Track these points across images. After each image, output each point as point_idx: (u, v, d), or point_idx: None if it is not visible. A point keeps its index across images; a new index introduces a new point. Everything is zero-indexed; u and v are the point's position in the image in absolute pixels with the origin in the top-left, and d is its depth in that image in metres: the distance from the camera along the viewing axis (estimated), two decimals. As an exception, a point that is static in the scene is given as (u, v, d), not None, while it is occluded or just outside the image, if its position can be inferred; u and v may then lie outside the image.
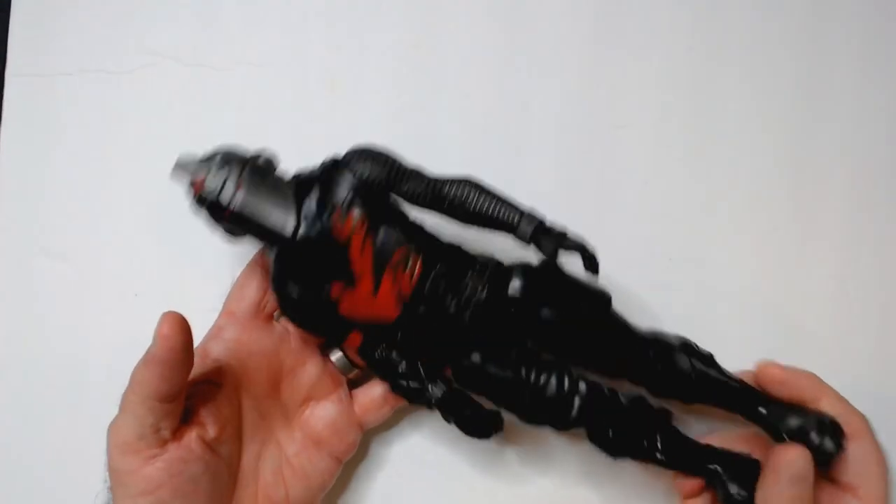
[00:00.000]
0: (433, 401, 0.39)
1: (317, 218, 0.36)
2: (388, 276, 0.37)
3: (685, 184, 0.47)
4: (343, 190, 0.37)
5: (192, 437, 0.36)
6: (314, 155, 0.47)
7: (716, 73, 0.48)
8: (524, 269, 0.38)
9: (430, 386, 0.39)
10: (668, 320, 0.47)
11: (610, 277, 0.47)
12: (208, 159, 0.37)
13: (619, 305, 0.46)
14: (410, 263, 0.37)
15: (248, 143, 0.47)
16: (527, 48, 0.47)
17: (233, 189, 0.36)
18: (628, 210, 0.47)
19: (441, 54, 0.47)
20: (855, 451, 0.38)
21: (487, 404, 0.39)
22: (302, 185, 0.37)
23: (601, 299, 0.39)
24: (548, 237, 0.37)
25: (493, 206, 0.37)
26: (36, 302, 0.46)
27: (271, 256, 0.38)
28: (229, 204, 0.36)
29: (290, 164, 0.47)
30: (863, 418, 0.39)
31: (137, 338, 0.46)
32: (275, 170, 0.38)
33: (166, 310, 0.35)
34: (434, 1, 0.48)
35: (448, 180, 0.38)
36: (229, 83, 0.47)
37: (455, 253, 0.39)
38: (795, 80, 0.48)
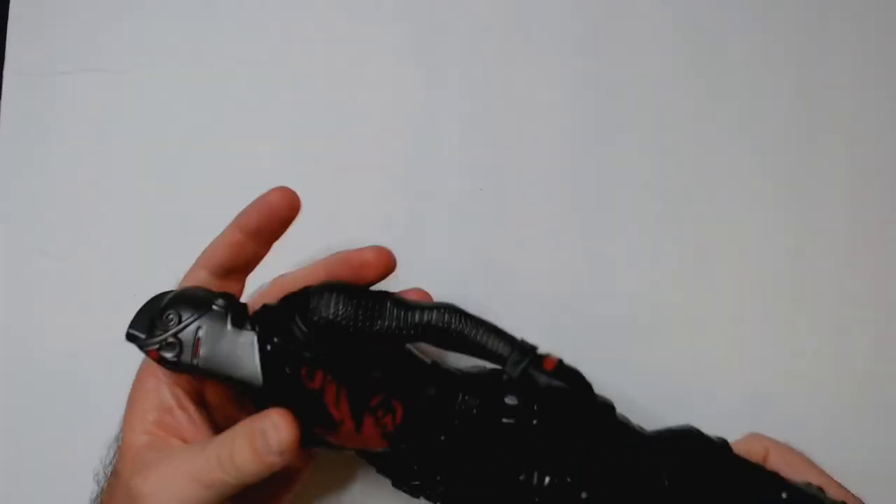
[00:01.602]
0: (436, 499, 0.36)
1: (282, 371, 0.33)
2: (369, 418, 0.34)
3: (685, 184, 0.47)
4: (305, 345, 0.33)
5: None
6: (314, 155, 0.47)
7: (716, 74, 0.48)
8: (517, 395, 0.35)
9: (427, 489, 0.36)
10: (665, 321, 0.47)
11: (610, 278, 0.47)
12: (161, 318, 0.34)
13: (619, 306, 0.46)
14: (392, 406, 0.34)
15: (248, 143, 0.47)
16: (527, 48, 0.47)
17: (191, 350, 0.33)
18: (628, 210, 0.47)
19: (441, 54, 0.47)
20: None
21: None
22: (264, 331, 0.34)
23: (604, 408, 0.36)
24: (539, 373, 0.34)
25: (478, 332, 0.34)
26: (34, 302, 0.46)
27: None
28: (192, 363, 0.33)
29: (290, 164, 0.47)
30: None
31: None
32: (234, 314, 0.35)
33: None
34: (434, 1, 0.47)
35: (426, 309, 0.34)
36: (228, 83, 0.47)
37: (439, 386, 0.35)
38: (795, 80, 0.48)
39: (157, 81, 0.47)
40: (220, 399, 0.38)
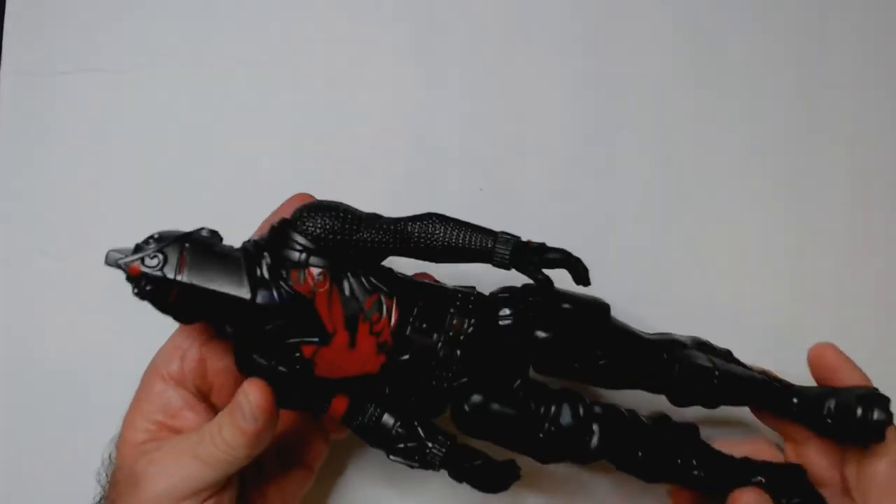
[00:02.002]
0: (437, 461, 0.35)
1: (272, 282, 0.33)
2: (364, 325, 0.34)
3: (685, 184, 0.48)
4: (295, 251, 0.34)
5: None
6: (314, 155, 0.47)
7: (716, 73, 0.48)
8: (511, 294, 0.36)
9: (430, 445, 0.35)
10: (667, 320, 0.47)
11: (610, 279, 0.47)
12: (143, 243, 0.34)
13: (619, 307, 0.46)
14: (385, 308, 0.34)
15: (248, 142, 0.47)
16: (527, 48, 0.47)
17: (175, 264, 0.32)
18: (628, 210, 0.47)
19: (441, 54, 0.47)
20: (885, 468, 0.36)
21: (498, 452, 0.36)
22: (251, 254, 0.34)
23: (598, 309, 0.37)
24: (527, 256, 0.35)
25: (463, 235, 0.35)
26: (34, 302, 0.46)
27: (230, 333, 0.35)
28: (174, 278, 0.32)
29: (290, 164, 0.47)
30: None
31: (137, 338, 0.46)
32: (220, 241, 0.35)
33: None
34: (434, 1, 0.47)
35: (409, 219, 0.35)
36: (227, 82, 0.47)
37: (431, 290, 0.36)
38: (795, 79, 0.48)
39: (156, 81, 0.47)
40: (223, 396, 0.38)
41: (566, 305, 0.36)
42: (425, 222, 0.35)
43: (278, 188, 0.47)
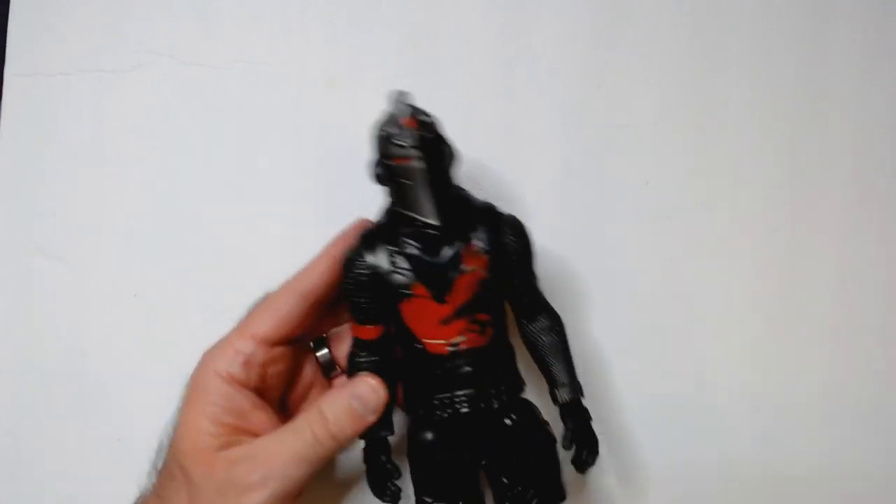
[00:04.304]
0: (361, 438, 0.38)
1: (454, 234, 0.36)
2: (464, 323, 0.37)
3: (685, 183, 0.47)
4: (485, 241, 0.37)
5: None
6: (314, 155, 0.47)
7: (716, 73, 0.48)
8: (519, 420, 0.39)
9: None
10: (666, 320, 0.47)
11: (609, 278, 0.47)
12: (424, 114, 0.37)
13: (619, 306, 0.46)
14: (483, 334, 0.38)
15: (248, 142, 0.47)
16: (527, 48, 0.47)
17: (419, 153, 0.35)
18: (628, 209, 0.47)
19: (441, 53, 0.47)
20: None
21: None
22: (459, 200, 0.38)
23: (556, 492, 0.39)
24: (573, 419, 0.38)
25: (555, 359, 0.39)
26: (34, 303, 0.46)
27: (381, 213, 0.38)
28: (408, 157, 0.35)
29: (290, 163, 0.47)
30: None
31: (137, 338, 0.46)
32: (453, 165, 0.38)
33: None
34: (434, 1, 0.47)
35: (547, 306, 0.39)
36: (228, 82, 0.47)
37: (507, 366, 0.39)
38: (795, 79, 0.48)
39: (157, 82, 0.47)
40: (273, 400, 0.39)
41: (542, 467, 0.39)
42: (551, 322, 0.39)
43: (278, 188, 0.47)
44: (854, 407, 0.47)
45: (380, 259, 0.37)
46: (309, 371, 0.43)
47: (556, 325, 0.39)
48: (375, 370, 0.38)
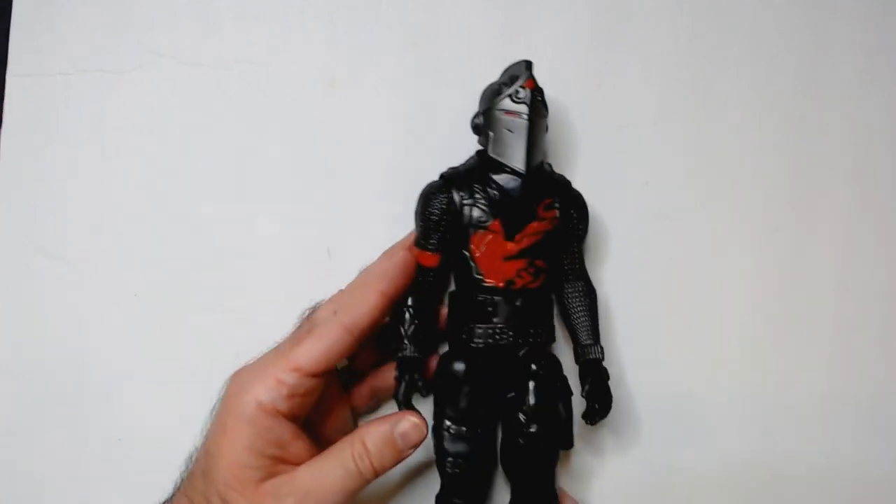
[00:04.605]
0: (400, 354, 0.41)
1: (535, 188, 0.41)
2: (524, 263, 0.41)
3: (685, 183, 0.47)
4: (558, 202, 0.42)
5: None
6: (314, 154, 0.47)
7: (716, 73, 0.48)
8: (546, 367, 0.42)
9: (407, 344, 0.41)
10: (666, 320, 0.47)
11: (609, 278, 0.47)
12: (539, 86, 0.41)
13: (619, 306, 0.46)
14: (537, 279, 0.41)
15: (249, 143, 0.47)
16: (527, 48, 0.47)
17: (528, 110, 0.40)
18: (628, 209, 0.47)
19: (441, 53, 0.47)
20: None
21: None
22: (543, 167, 0.42)
23: (565, 439, 0.42)
24: (592, 374, 0.42)
25: (587, 321, 0.43)
26: (35, 303, 0.46)
27: (470, 159, 0.43)
28: (517, 112, 0.40)
29: (291, 164, 0.47)
30: None
31: (137, 338, 0.46)
32: (545, 135, 0.43)
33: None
34: (434, 1, 0.47)
35: (587, 277, 0.44)
36: (228, 82, 0.47)
37: (547, 315, 0.43)
38: (795, 79, 0.48)
39: (156, 82, 0.47)
40: (304, 417, 0.39)
41: (558, 409, 0.42)
42: (588, 289, 0.44)
43: (278, 188, 0.47)
44: (854, 407, 0.47)
45: (463, 193, 0.41)
46: (331, 387, 0.42)
47: (591, 294, 0.44)
48: (427, 297, 0.42)
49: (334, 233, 0.46)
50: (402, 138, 0.47)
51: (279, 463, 0.37)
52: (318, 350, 0.37)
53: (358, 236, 0.46)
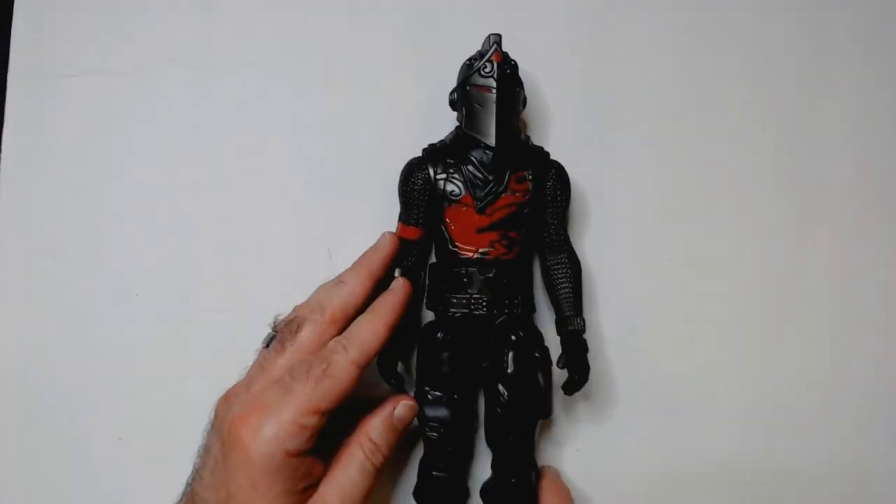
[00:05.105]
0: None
1: (507, 160, 0.42)
2: (497, 235, 0.42)
3: (685, 184, 0.47)
4: (532, 174, 0.43)
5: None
6: (314, 154, 0.47)
7: (716, 73, 0.48)
8: (525, 338, 0.42)
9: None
10: (666, 320, 0.47)
11: (609, 278, 0.47)
12: (509, 58, 0.42)
13: (619, 306, 0.46)
14: (510, 251, 0.42)
15: (251, 143, 0.47)
16: (526, 48, 0.47)
17: (495, 83, 0.41)
18: (628, 209, 0.47)
19: (441, 53, 0.47)
20: None
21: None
22: (518, 139, 0.43)
23: (543, 409, 0.42)
24: (572, 347, 0.42)
25: (569, 292, 0.43)
26: (35, 303, 0.46)
27: (449, 135, 0.44)
28: (486, 86, 0.41)
29: (292, 164, 0.47)
30: None
31: (138, 338, 0.46)
32: (520, 106, 0.44)
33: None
34: (433, 1, 0.48)
35: (570, 247, 0.44)
36: (229, 84, 0.47)
37: (524, 286, 0.43)
38: (795, 79, 0.48)
39: (160, 83, 0.47)
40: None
41: (537, 378, 0.42)
42: (571, 260, 0.44)
43: (279, 188, 0.47)
44: (854, 407, 0.47)
45: (439, 169, 0.42)
46: None
47: (574, 264, 0.44)
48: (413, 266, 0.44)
49: (334, 233, 0.46)
50: (402, 139, 0.47)
51: (307, 489, 0.38)
52: (336, 392, 0.38)
53: (358, 236, 0.46)
